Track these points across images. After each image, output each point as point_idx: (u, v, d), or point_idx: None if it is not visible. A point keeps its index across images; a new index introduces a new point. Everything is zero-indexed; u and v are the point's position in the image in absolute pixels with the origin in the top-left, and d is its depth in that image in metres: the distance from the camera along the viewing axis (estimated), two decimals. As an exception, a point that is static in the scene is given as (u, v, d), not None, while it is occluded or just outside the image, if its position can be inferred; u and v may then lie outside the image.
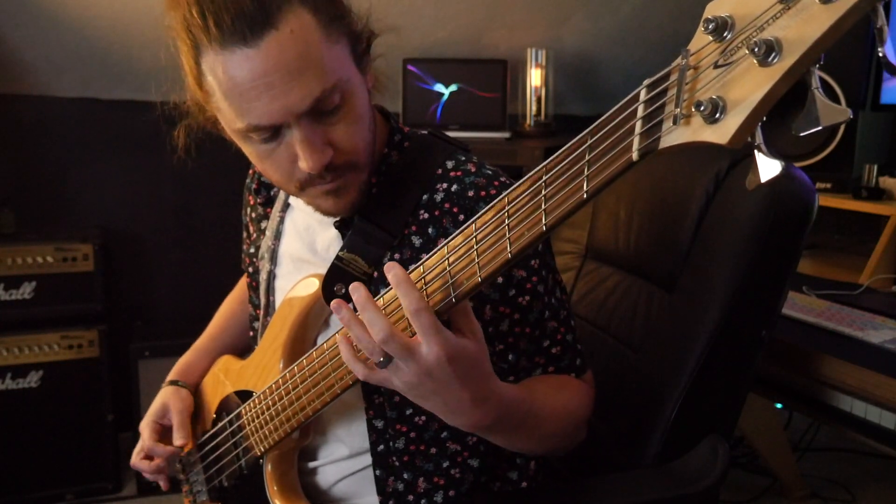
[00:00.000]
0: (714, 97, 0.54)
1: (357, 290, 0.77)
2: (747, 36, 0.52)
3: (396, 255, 0.99)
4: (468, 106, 2.69)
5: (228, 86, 0.84)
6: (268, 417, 1.04)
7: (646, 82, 0.60)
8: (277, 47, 0.82)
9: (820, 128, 0.51)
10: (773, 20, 0.51)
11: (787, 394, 1.50)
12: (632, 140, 0.60)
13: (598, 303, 1.38)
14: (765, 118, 0.53)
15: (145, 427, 1.20)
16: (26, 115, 2.54)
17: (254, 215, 1.23)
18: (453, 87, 2.68)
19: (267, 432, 1.05)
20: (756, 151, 0.54)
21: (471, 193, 0.97)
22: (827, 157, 2.06)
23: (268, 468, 1.08)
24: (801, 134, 0.52)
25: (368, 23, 0.96)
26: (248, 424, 1.09)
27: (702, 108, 0.54)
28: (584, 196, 0.64)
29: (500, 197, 0.72)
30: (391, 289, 0.80)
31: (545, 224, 0.68)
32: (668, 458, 1.08)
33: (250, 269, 1.23)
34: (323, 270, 1.01)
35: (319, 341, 1.07)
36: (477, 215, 0.75)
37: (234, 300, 1.39)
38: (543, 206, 0.68)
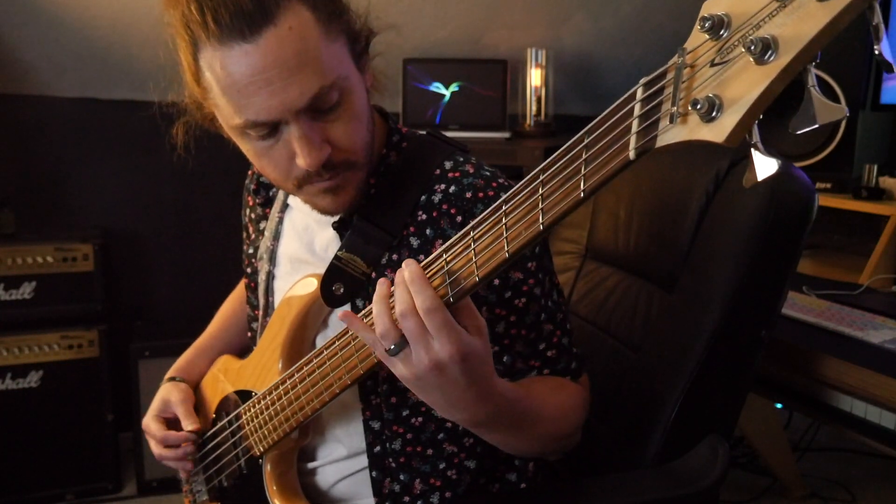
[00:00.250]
0: (710, 95, 0.54)
1: (409, 264, 0.77)
2: (744, 34, 0.52)
3: (394, 256, 0.99)
4: (468, 106, 2.69)
5: (227, 82, 0.84)
6: (267, 417, 1.04)
7: (642, 81, 0.60)
8: (276, 43, 0.82)
9: (816, 126, 0.51)
10: (769, 18, 0.51)
11: (787, 394, 1.50)
12: (629, 139, 0.60)
13: (598, 303, 1.37)
14: (761, 116, 0.53)
15: (151, 421, 1.19)
16: (26, 115, 2.54)
17: (253, 216, 1.23)
18: (453, 87, 2.68)
19: (266, 432, 1.05)
20: (753, 150, 0.54)
21: (468, 195, 0.97)
22: (827, 157, 2.05)
23: (267, 468, 1.08)
24: (798, 132, 0.52)
25: (367, 21, 0.96)
26: (248, 424, 1.09)
27: (698, 107, 0.54)
28: (582, 195, 0.64)
29: (501, 198, 0.72)
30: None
31: (542, 223, 0.68)
32: (668, 458, 1.08)
33: (249, 270, 1.23)
34: (321, 270, 1.01)
35: (318, 341, 1.08)
36: (476, 220, 0.75)
37: (235, 300, 1.39)
38: (541, 206, 0.68)
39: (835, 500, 2.37)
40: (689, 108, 0.55)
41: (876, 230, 1.95)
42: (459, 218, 0.96)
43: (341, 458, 1.09)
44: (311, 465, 1.12)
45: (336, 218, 1.01)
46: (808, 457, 2.55)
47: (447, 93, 2.68)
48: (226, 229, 2.06)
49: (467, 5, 2.56)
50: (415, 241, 0.98)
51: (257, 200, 1.19)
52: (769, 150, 0.54)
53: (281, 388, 1.01)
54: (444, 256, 0.77)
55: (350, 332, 0.88)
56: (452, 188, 0.98)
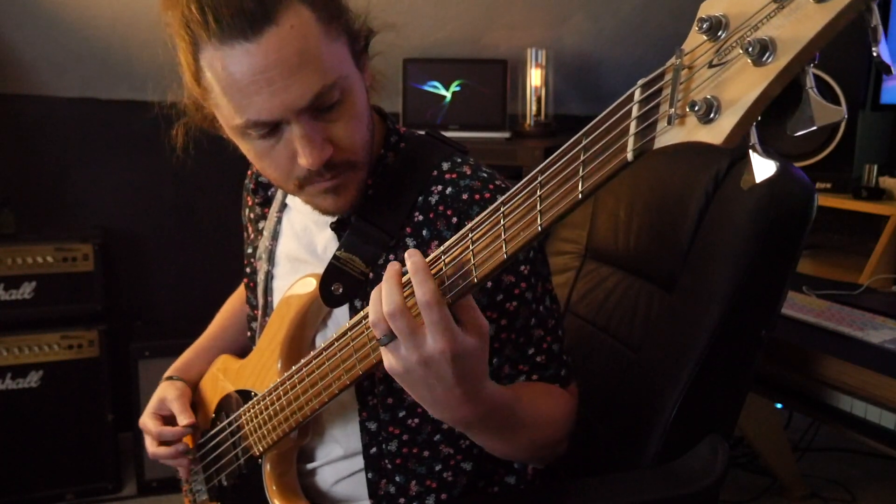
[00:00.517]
0: (708, 97, 0.54)
1: (412, 255, 0.76)
2: (741, 35, 0.52)
3: (392, 256, 0.99)
4: (468, 106, 2.69)
5: (227, 81, 0.84)
6: (266, 417, 1.04)
7: (640, 82, 0.59)
8: (277, 43, 0.82)
9: (814, 127, 0.51)
10: (767, 19, 0.51)
11: (787, 394, 1.50)
12: (626, 140, 0.60)
13: (598, 303, 1.37)
14: (759, 118, 0.53)
15: (147, 418, 1.19)
16: (26, 115, 2.54)
17: (252, 216, 1.23)
18: (453, 87, 2.68)
19: (265, 432, 1.05)
20: (751, 151, 0.54)
21: (465, 197, 0.96)
22: (827, 157, 2.05)
23: (266, 468, 1.08)
24: (796, 134, 0.52)
25: (366, 21, 0.96)
26: (247, 424, 1.09)
27: (696, 108, 0.54)
28: (580, 196, 0.64)
29: (498, 200, 0.72)
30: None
31: (541, 224, 0.68)
32: (668, 458, 1.08)
33: (248, 270, 1.23)
34: (320, 270, 1.00)
35: (318, 340, 1.08)
36: (474, 221, 0.74)
37: (236, 301, 1.39)
38: (539, 207, 0.68)
39: (835, 500, 2.37)
40: (687, 109, 0.55)
41: (876, 230, 1.95)
42: (455, 220, 0.96)
43: (339, 459, 1.09)
44: (309, 465, 1.12)
45: (334, 218, 1.01)
46: (808, 457, 2.54)
47: (447, 93, 2.68)
48: (226, 229, 2.06)
49: (467, 5, 2.56)
50: (411, 243, 0.98)
51: (256, 200, 1.19)
52: (767, 152, 0.54)
53: (280, 388, 1.01)
54: (443, 258, 0.76)
55: (349, 333, 0.88)
56: (449, 190, 0.98)
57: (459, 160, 1.02)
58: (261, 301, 1.18)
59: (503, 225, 0.71)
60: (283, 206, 1.15)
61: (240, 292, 1.39)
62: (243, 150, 0.95)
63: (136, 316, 2.70)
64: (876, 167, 2.04)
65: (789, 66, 0.50)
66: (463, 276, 0.75)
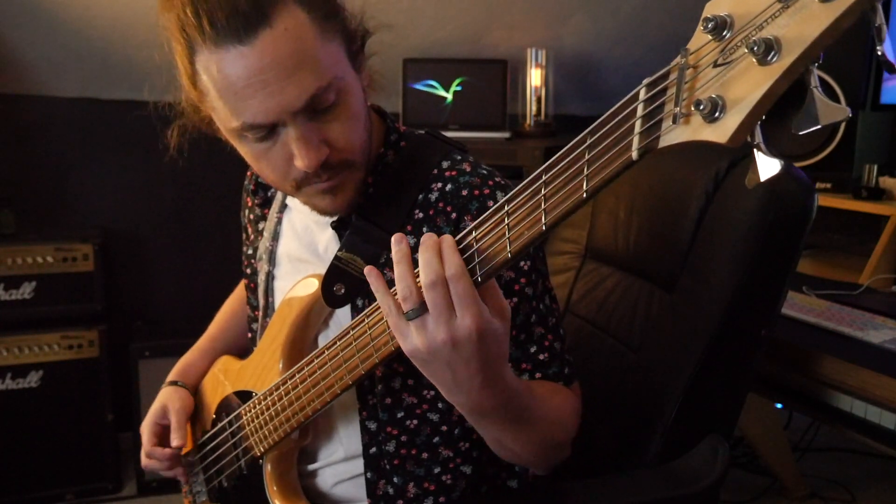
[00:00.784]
0: (713, 96, 0.54)
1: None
2: (746, 35, 0.52)
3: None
4: (468, 106, 2.69)
5: (223, 84, 0.84)
6: (267, 418, 1.04)
7: (645, 81, 0.60)
8: (272, 45, 0.82)
9: (819, 126, 0.51)
10: (772, 19, 0.51)
11: (787, 394, 1.50)
12: (631, 139, 0.60)
13: (597, 303, 1.37)
14: (764, 117, 0.53)
15: (145, 429, 1.20)
16: (26, 115, 2.54)
17: (251, 217, 1.22)
18: (453, 88, 2.68)
19: (266, 432, 1.05)
20: (755, 150, 0.54)
21: (464, 193, 0.97)
22: (827, 157, 2.06)
23: (267, 468, 1.08)
24: (801, 133, 0.52)
25: (363, 21, 0.95)
26: (248, 425, 1.09)
27: (701, 107, 0.54)
28: (584, 195, 0.64)
29: (497, 196, 0.72)
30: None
31: (545, 223, 0.68)
32: (668, 458, 1.07)
33: (248, 271, 1.23)
34: (321, 270, 1.01)
35: (319, 341, 1.07)
36: (479, 219, 0.74)
37: (235, 301, 1.39)
38: (543, 206, 0.68)
39: (835, 500, 2.37)
40: (692, 108, 0.55)
41: (876, 230, 1.95)
42: (454, 215, 0.96)
43: (340, 460, 1.09)
44: (310, 466, 1.12)
45: (335, 218, 1.01)
46: (808, 457, 2.55)
47: (447, 93, 2.68)
48: (225, 229, 2.06)
49: (467, 5, 2.56)
50: (412, 240, 0.98)
51: (255, 201, 1.19)
52: (771, 151, 0.54)
53: (282, 388, 1.01)
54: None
55: (352, 332, 0.88)
56: (449, 186, 0.98)
57: (459, 158, 1.02)
58: (261, 302, 1.18)
59: (507, 224, 0.71)
60: (284, 206, 1.15)
61: (238, 293, 1.39)
62: (241, 152, 0.95)
63: (136, 316, 2.70)
64: (876, 167, 2.04)
65: (794, 65, 0.50)
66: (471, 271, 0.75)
